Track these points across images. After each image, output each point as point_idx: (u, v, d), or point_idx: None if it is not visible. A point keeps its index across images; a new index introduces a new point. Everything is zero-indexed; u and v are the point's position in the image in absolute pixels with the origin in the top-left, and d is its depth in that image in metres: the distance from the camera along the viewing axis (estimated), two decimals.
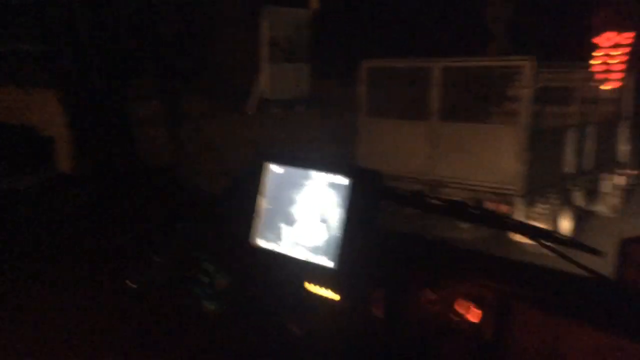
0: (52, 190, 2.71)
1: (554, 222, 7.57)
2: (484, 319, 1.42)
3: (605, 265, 1.48)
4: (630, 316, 1.25)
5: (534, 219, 7.22)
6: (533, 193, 7.48)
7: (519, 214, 7.27)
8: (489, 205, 7.57)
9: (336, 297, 1.63)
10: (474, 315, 1.43)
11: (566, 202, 8.11)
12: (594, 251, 1.51)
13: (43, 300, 2.17)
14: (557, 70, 8.05)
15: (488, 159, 7.56)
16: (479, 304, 1.43)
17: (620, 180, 9.51)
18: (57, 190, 2.71)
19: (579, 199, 8.52)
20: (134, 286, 2.07)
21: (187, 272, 2.02)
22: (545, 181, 7.74)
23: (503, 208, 7.42)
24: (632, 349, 1.18)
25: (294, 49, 13.89)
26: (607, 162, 9.26)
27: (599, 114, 9.02)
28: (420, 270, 1.61)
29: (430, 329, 1.52)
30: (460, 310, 1.45)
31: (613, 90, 9.29)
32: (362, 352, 1.66)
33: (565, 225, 7.89)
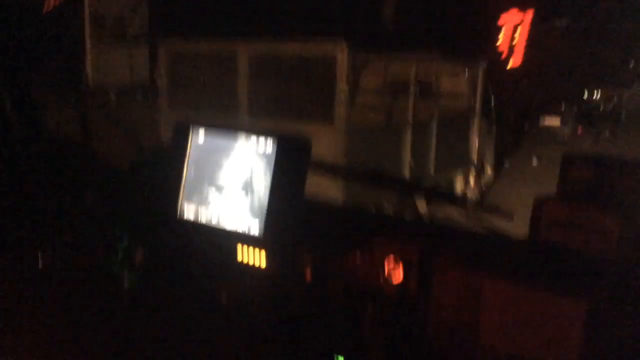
0: None
1: None
2: (407, 279, 1.63)
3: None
4: (543, 270, 1.54)
5: None
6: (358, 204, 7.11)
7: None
8: None
9: (263, 263, 1.72)
10: (398, 276, 1.64)
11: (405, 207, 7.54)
12: (503, 214, 1.81)
13: None
14: (386, 60, 7.58)
15: None
16: (403, 264, 1.64)
17: (471, 181, 9.43)
18: None
19: (420, 204, 7.92)
20: (42, 262, 1.94)
21: (100, 248, 1.94)
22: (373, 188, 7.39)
23: None
24: (547, 300, 1.45)
25: (126, 28, 12.93)
26: (459, 162, 9.19)
27: (447, 109, 8.84)
28: (346, 235, 1.78)
29: (356, 291, 1.69)
30: (385, 272, 1.65)
31: (463, 83, 9.21)
32: (290, 318, 1.76)
33: None
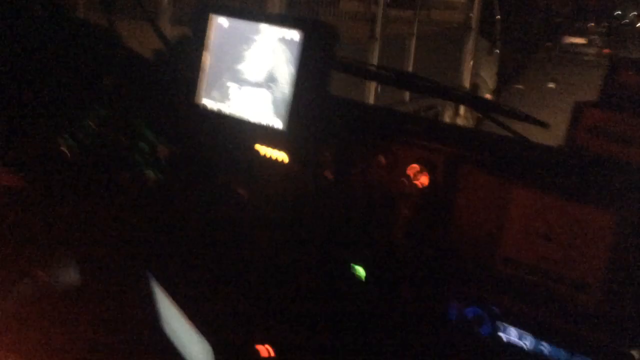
0: None
1: None
2: (432, 182, 1.58)
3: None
4: (578, 180, 1.48)
5: None
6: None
7: None
8: None
9: (285, 158, 1.67)
10: (423, 179, 1.59)
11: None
12: (539, 123, 1.73)
13: None
14: None
15: None
16: (428, 168, 1.58)
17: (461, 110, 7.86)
18: None
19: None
20: (67, 153, 1.91)
21: (124, 138, 1.90)
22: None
23: None
24: (577, 210, 1.41)
25: None
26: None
27: (434, 21, 7.67)
28: (371, 135, 1.72)
29: (380, 193, 1.65)
30: (410, 175, 1.59)
31: None
32: (310, 215, 1.74)
33: None
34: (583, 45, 15.18)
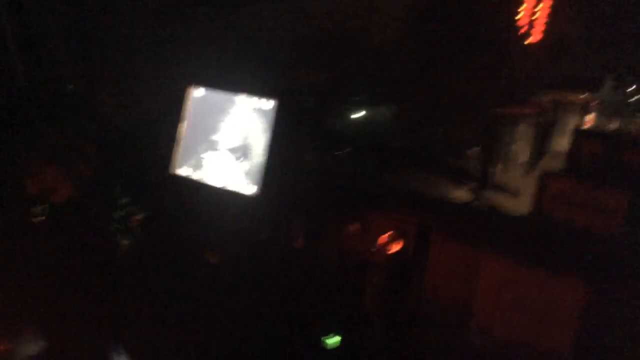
0: None
1: None
2: (403, 250, 1.59)
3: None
4: (546, 248, 1.50)
5: None
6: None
7: None
8: None
9: (256, 224, 1.68)
10: (394, 247, 1.60)
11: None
12: (509, 191, 1.77)
13: None
14: None
15: None
16: (400, 237, 1.60)
17: None
18: None
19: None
20: (42, 218, 1.91)
21: (99, 205, 1.90)
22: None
23: None
24: (547, 279, 1.42)
25: None
26: None
27: None
28: (343, 203, 1.74)
29: (351, 260, 1.66)
30: (381, 243, 1.61)
31: None
32: (280, 282, 1.73)
33: None
34: None
